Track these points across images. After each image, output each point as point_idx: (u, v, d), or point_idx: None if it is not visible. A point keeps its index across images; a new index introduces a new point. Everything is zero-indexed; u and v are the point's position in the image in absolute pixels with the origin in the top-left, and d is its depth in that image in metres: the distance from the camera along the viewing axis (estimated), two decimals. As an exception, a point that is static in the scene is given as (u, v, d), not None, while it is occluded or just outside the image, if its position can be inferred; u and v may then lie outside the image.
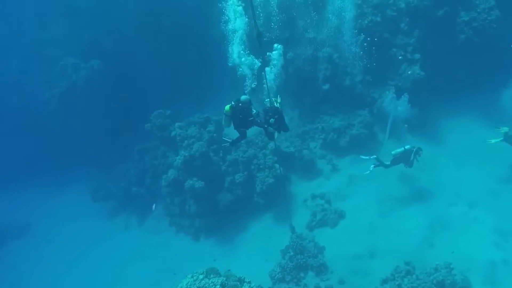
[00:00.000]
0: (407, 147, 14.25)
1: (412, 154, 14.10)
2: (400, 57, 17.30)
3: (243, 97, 9.40)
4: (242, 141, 12.71)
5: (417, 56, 17.02)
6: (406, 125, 16.30)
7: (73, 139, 22.05)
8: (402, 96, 16.50)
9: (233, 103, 9.44)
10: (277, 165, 16.37)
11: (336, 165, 17.88)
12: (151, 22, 22.28)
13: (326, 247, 14.32)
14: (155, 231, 19.27)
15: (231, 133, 13.08)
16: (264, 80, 8.54)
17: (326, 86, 18.63)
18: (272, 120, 9.54)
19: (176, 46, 22.30)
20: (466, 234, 13.11)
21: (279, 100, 10.21)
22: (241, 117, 9.64)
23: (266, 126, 9.81)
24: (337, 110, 19.02)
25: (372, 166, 14.75)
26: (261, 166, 16.54)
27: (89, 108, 21.62)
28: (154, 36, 22.46)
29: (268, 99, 9.64)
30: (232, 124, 10.10)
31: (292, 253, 14.05)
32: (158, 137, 19.77)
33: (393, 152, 14.31)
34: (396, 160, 14.40)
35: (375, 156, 14.87)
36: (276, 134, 10.33)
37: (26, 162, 23.56)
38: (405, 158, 14.25)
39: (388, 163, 14.61)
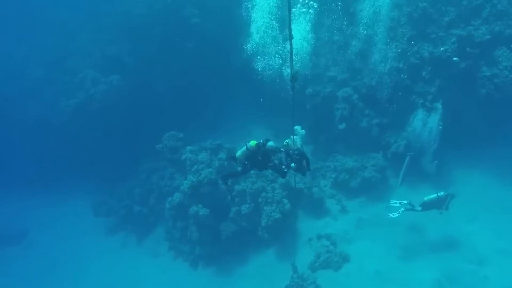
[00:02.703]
0: (440, 193, 13.70)
1: (447, 202, 13.63)
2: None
3: (270, 143, 9.13)
4: (252, 172, 12.41)
5: (437, 105, 16.93)
6: (436, 161, 15.92)
7: (82, 150, 22.08)
8: (433, 113, 16.26)
9: (261, 141, 9.16)
10: (285, 200, 16.09)
11: (345, 206, 17.52)
12: (174, 45, 22.64)
13: (327, 291, 13.82)
14: (153, 254, 18.87)
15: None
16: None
17: (342, 126, 18.58)
18: (293, 165, 9.15)
19: (196, 70, 22.53)
20: (474, 293, 12.58)
21: (300, 142, 9.66)
22: (260, 159, 9.36)
23: (286, 170, 9.44)
24: (350, 150, 18.91)
25: (402, 209, 14.16)
26: (269, 200, 16.25)
27: (102, 122, 21.67)
28: (175, 58, 22.76)
29: (288, 140, 9.31)
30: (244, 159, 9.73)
31: (291, 294, 13.63)
32: (167, 159, 19.65)
33: (425, 199, 13.76)
34: (428, 206, 13.85)
35: (406, 201, 14.24)
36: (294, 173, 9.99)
37: (33, 169, 23.45)
38: (437, 204, 13.75)
39: (419, 209, 14.03)
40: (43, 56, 24.14)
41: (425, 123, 16.47)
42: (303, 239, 16.42)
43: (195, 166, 17.23)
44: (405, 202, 14.27)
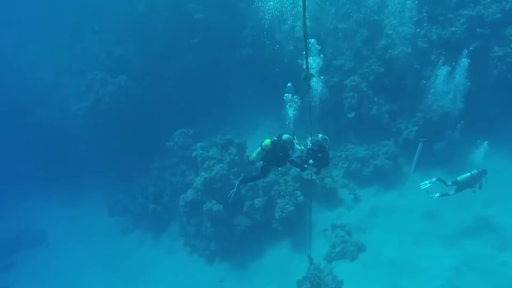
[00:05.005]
0: (473, 172, 13.37)
1: (481, 180, 13.33)
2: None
3: (285, 136, 8.86)
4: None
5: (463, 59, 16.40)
6: (462, 122, 15.62)
7: (94, 151, 22.29)
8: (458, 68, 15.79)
9: (275, 138, 8.92)
10: (298, 192, 16.06)
11: (358, 195, 17.44)
12: (179, 42, 22.59)
13: (344, 281, 13.78)
14: (169, 250, 19.03)
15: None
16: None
17: (351, 114, 18.40)
18: (311, 161, 8.99)
19: (203, 66, 22.45)
20: (494, 279, 12.42)
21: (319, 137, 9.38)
22: (282, 155, 9.05)
23: (305, 166, 9.21)
24: (361, 139, 18.74)
25: (437, 194, 13.73)
26: (281, 193, 16.27)
27: (113, 123, 21.84)
28: (181, 55, 22.72)
29: (310, 138, 9.06)
30: (261, 160, 9.51)
31: (309, 286, 13.67)
32: (179, 156, 19.72)
33: (459, 178, 13.42)
34: (462, 185, 13.50)
35: (435, 178, 13.74)
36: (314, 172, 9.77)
37: (47, 171, 23.79)
38: (471, 183, 13.42)
39: (452, 192, 13.69)
40: (51, 59, 24.33)
41: (450, 79, 16.01)
42: (318, 230, 16.40)
43: (207, 162, 17.27)
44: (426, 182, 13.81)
